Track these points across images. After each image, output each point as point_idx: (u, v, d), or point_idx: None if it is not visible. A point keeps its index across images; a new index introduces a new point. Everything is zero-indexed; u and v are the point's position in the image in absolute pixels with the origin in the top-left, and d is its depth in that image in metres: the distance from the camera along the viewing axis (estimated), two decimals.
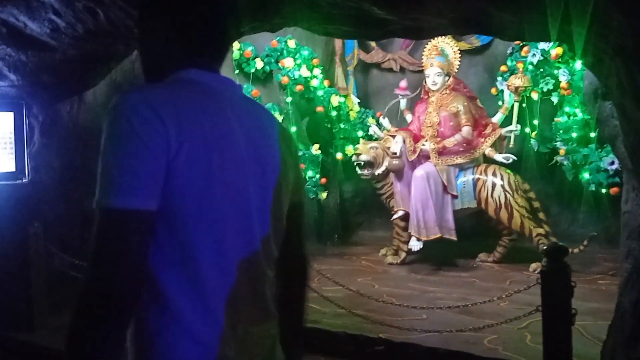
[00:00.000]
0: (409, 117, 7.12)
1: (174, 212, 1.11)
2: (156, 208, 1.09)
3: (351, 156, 7.37)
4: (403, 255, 6.52)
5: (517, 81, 6.06)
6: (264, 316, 1.25)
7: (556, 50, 5.89)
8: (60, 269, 5.23)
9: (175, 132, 1.09)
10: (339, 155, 7.34)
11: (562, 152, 5.82)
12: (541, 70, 6.33)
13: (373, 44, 8.10)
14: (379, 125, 7.00)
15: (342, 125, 7.22)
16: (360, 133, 7.44)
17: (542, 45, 6.07)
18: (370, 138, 7.12)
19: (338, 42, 7.89)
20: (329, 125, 7.47)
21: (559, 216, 6.97)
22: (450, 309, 4.34)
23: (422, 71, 8.06)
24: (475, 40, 7.46)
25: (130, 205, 1.07)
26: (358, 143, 7.38)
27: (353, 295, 4.99)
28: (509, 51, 7.10)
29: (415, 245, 6.09)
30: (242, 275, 1.18)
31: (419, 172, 6.17)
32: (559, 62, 5.98)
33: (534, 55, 6.18)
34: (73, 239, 5.43)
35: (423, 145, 6.32)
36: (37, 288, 5.11)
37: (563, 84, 5.88)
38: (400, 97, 7.22)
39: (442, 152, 6.26)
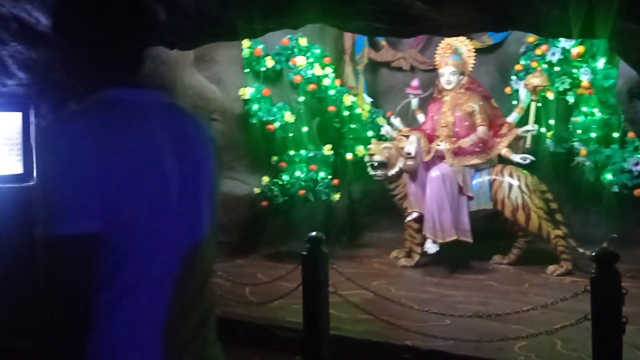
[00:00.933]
0: (420, 116, 7.00)
1: (106, 235, 1.17)
2: (99, 229, 1.16)
3: (361, 157, 7.25)
4: (417, 257, 6.39)
5: (535, 80, 5.95)
6: (201, 336, 1.28)
7: (578, 49, 5.79)
8: None
9: (104, 156, 1.16)
10: (348, 156, 7.20)
11: (583, 152, 5.72)
12: (557, 69, 6.22)
13: (383, 42, 7.98)
14: (390, 125, 6.86)
15: (352, 125, 7.08)
16: (370, 133, 7.30)
17: (563, 43, 5.95)
18: (381, 138, 6.98)
19: (348, 41, 7.75)
20: (338, 125, 7.34)
21: (571, 217, 6.86)
22: (478, 316, 4.21)
23: (433, 70, 7.96)
24: (488, 39, 7.35)
25: (74, 230, 1.16)
26: (368, 143, 7.24)
27: (372, 299, 4.87)
28: (522, 50, 6.99)
29: (431, 247, 5.97)
30: (178, 294, 1.22)
31: (435, 172, 6.04)
32: (578, 61, 5.87)
33: (553, 54, 6.08)
34: None
35: (438, 145, 6.20)
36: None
37: (585, 82, 5.78)
38: (411, 96, 7.09)
39: (457, 153, 6.14)
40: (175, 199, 1.24)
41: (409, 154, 6.12)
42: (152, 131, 1.24)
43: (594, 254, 2.71)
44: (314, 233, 3.62)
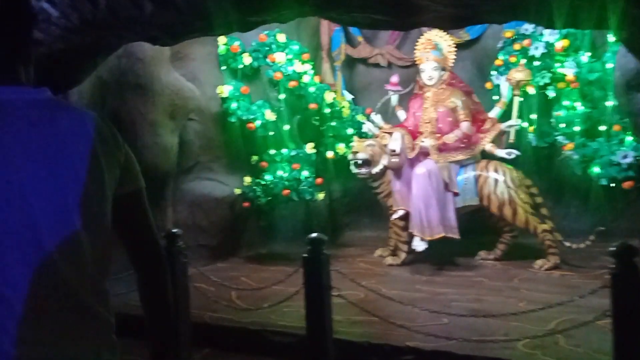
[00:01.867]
0: (401, 113, 6.92)
1: None
2: None
3: (342, 155, 7.13)
4: (403, 256, 6.31)
5: (518, 75, 5.93)
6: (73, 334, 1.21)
7: (562, 42, 5.79)
8: None
9: None
10: (329, 154, 7.07)
11: (570, 146, 5.73)
12: (536, 63, 6.23)
13: (360, 38, 7.87)
14: (371, 122, 6.75)
15: (333, 123, 6.95)
16: (350, 131, 7.18)
17: (547, 37, 5.96)
18: (362, 136, 6.87)
19: (324, 37, 7.62)
20: (318, 123, 7.20)
21: (552, 211, 6.89)
22: (477, 315, 4.14)
23: (410, 66, 7.92)
24: (465, 34, 7.33)
25: None
26: (349, 141, 7.14)
27: (365, 299, 4.76)
28: (499, 45, 6.99)
29: (419, 245, 5.88)
30: (30, 319, 1.15)
31: (420, 169, 5.97)
32: (561, 55, 5.87)
33: (536, 47, 6.07)
34: None
35: (422, 142, 6.13)
36: None
37: (569, 76, 5.78)
38: (391, 93, 7.00)
39: (442, 149, 6.08)
40: (24, 206, 1.16)
41: (394, 151, 6.03)
42: (9, 135, 1.18)
43: (614, 248, 2.64)
44: (314, 234, 3.47)
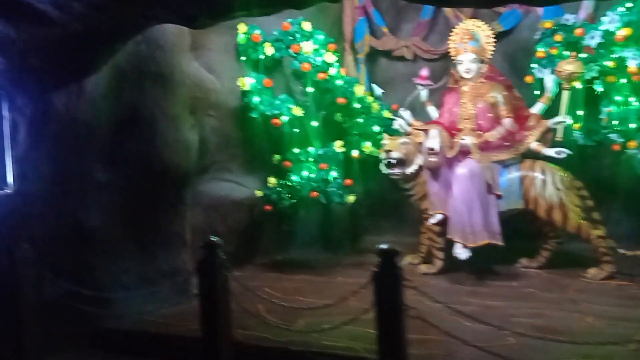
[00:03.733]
0: (431, 109, 6.43)
1: None
2: None
3: (369, 154, 6.62)
4: (439, 264, 5.82)
5: (569, 67, 5.47)
6: None
7: (624, 31, 5.32)
8: (53, 298, 4.26)
9: None
10: (354, 153, 6.55)
11: (632, 144, 5.27)
12: (583, 55, 5.76)
13: (384, 29, 7.37)
14: (400, 118, 6.24)
15: (359, 120, 6.43)
16: (376, 128, 6.67)
17: (606, 25, 5.49)
18: (392, 133, 6.35)
19: (347, 27, 7.12)
20: (341, 120, 6.67)
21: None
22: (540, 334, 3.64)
23: (437, 59, 7.45)
24: (498, 26, 6.85)
25: None
26: (375, 139, 6.64)
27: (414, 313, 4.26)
28: (536, 36, 6.53)
29: (462, 253, 5.39)
30: None
31: (462, 170, 5.48)
32: (620, 45, 5.40)
33: (592, 37, 5.61)
34: (67, 260, 4.44)
35: (462, 139, 5.64)
36: (28, 322, 4.13)
37: (632, 68, 5.31)
38: (420, 87, 6.51)
39: (484, 148, 5.60)
40: None
41: (432, 149, 5.54)
42: None
43: None
44: (385, 245, 2.96)
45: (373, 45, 7.35)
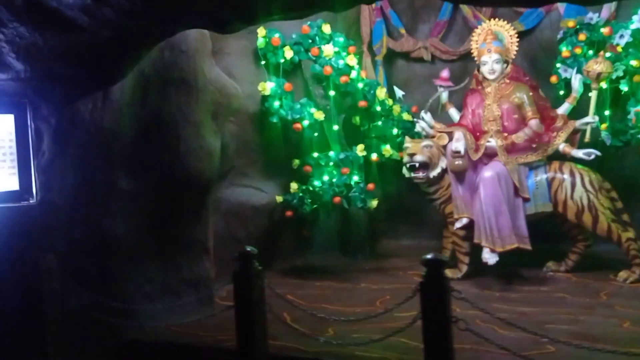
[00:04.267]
0: (452, 111, 6.32)
1: None
2: None
3: (388, 157, 6.51)
4: (465, 268, 5.72)
5: (598, 66, 5.35)
6: None
7: None
8: (78, 309, 4.17)
9: None
10: (373, 157, 6.44)
11: None
12: (608, 54, 5.65)
13: (402, 30, 7.26)
14: (423, 121, 6.13)
15: (379, 123, 6.33)
16: (395, 131, 6.56)
17: (636, 24, 5.38)
18: (413, 136, 6.24)
19: (365, 29, 7.03)
20: (359, 123, 6.57)
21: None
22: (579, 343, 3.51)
23: (455, 60, 7.34)
24: (519, 25, 6.74)
25: None
26: (394, 142, 6.54)
27: None
28: (559, 36, 6.43)
29: (490, 257, 5.28)
30: None
31: (488, 172, 5.37)
32: None
33: (621, 36, 5.50)
34: (91, 270, 4.35)
35: (488, 142, 5.53)
36: (53, 334, 4.04)
37: None
38: (441, 89, 6.40)
39: (510, 150, 5.49)
40: None
41: (458, 152, 5.43)
42: None
43: None
44: (430, 255, 2.85)
45: (391, 46, 7.25)
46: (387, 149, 6.40)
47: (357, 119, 6.53)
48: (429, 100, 6.40)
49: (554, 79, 6.17)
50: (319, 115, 5.79)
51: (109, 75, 3.79)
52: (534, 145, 5.51)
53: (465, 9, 7.07)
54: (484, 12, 7.02)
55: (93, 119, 3.95)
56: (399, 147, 6.51)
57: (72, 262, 4.19)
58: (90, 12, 3.08)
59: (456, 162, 5.47)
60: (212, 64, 5.15)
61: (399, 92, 6.47)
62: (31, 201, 3.91)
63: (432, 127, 6.01)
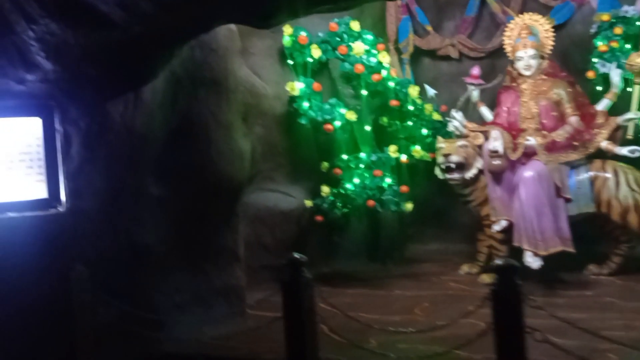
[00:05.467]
0: (484, 109, 6.12)
1: None
2: None
3: (418, 158, 6.29)
4: None
5: None
6: None
7: None
8: (108, 320, 3.97)
9: None
10: (403, 158, 6.22)
11: None
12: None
13: (429, 27, 7.06)
14: (453, 120, 5.92)
15: (409, 123, 6.11)
16: (424, 131, 6.34)
17: None
18: (445, 136, 6.03)
19: (391, 26, 6.84)
20: (386, 123, 6.36)
21: None
22: None
23: (484, 58, 7.13)
24: (549, 20, 6.49)
25: None
26: (424, 142, 6.32)
27: None
28: (592, 30, 6.22)
29: (533, 261, 5.06)
30: None
31: (528, 172, 5.16)
32: None
33: None
34: (121, 280, 4.15)
35: (527, 140, 5.31)
36: (84, 348, 3.83)
37: None
38: (472, 87, 6.20)
39: (550, 148, 5.27)
40: None
41: (496, 151, 5.22)
42: None
43: None
44: (501, 260, 2.64)
45: (417, 44, 7.05)
46: (417, 150, 6.19)
47: (385, 119, 6.32)
48: (460, 98, 6.20)
49: (591, 74, 5.96)
50: (351, 116, 5.58)
51: (140, 75, 3.60)
52: (575, 143, 5.30)
53: (493, 4, 6.87)
54: (512, 7, 6.81)
55: (124, 122, 3.75)
56: (428, 148, 6.31)
57: (101, 271, 3.98)
58: (126, 5, 2.89)
59: (494, 162, 5.26)
60: (241, 63, 4.96)
61: (431, 91, 6.26)
62: (60, 209, 3.71)
63: (464, 127, 5.81)
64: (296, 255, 3.32)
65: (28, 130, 3.67)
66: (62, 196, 3.73)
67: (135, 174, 4.01)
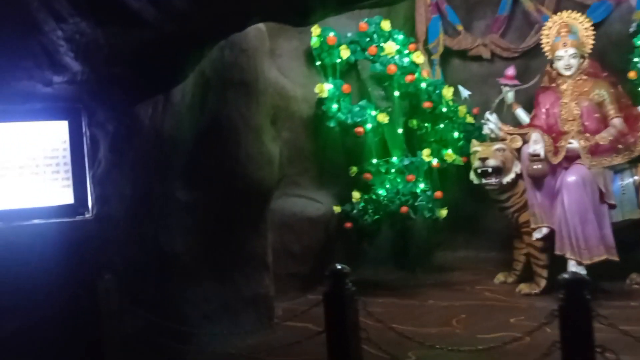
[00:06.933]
0: (519, 111, 5.89)
1: None
2: None
3: (451, 162, 6.06)
4: (543, 283, 5.24)
5: None
6: None
7: None
8: (135, 331, 3.81)
9: None
10: (434, 162, 5.99)
11: None
12: None
13: (459, 27, 6.84)
14: (490, 122, 5.68)
15: (441, 126, 5.90)
16: (456, 134, 6.11)
17: None
18: (478, 138, 5.80)
19: (420, 26, 6.63)
20: (415, 126, 6.14)
21: None
22: None
23: (516, 58, 6.89)
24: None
25: None
26: (455, 146, 6.09)
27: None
28: (632, 29, 5.97)
29: (577, 271, 4.79)
30: None
31: (572, 177, 4.91)
32: None
33: None
34: (148, 289, 3.99)
35: (570, 143, 5.07)
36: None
37: None
38: (507, 88, 5.97)
39: (594, 152, 5.02)
40: None
41: (537, 155, 4.98)
42: None
43: None
44: (569, 274, 2.42)
45: (448, 44, 6.83)
46: (450, 154, 5.96)
47: (414, 122, 6.10)
48: (495, 100, 5.97)
49: (632, 74, 5.70)
50: (383, 118, 5.37)
51: (170, 76, 3.44)
52: (619, 147, 5.04)
53: (527, 2, 6.63)
54: (547, 5, 6.57)
55: (153, 125, 3.59)
56: (460, 152, 6.10)
57: (128, 280, 3.83)
58: (159, 3, 2.72)
59: (535, 167, 5.02)
60: (270, 64, 4.79)
61: (465, 92, 6.04)
62: (87, 215, 3.56)
63: (500, 129, 5.59)
64: (339, 265, 3.12)
65: (54, 134, 3.54)
66: (89, 202, 3.59)
67: (163, 178, 3.85)
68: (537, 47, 6.28)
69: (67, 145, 3.53)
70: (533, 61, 6.61)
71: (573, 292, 2.39)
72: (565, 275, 2.43)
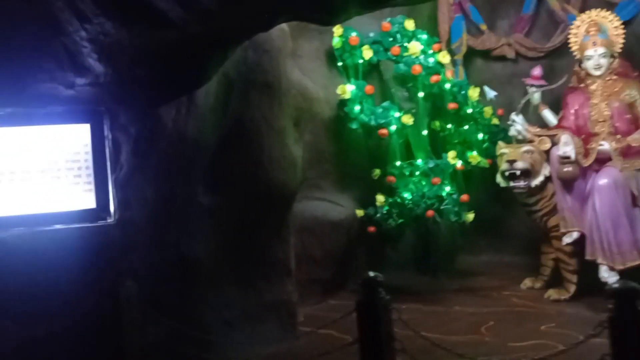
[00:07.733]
0: (546, 112, 5.73)
1: None
2: None
3: (476, 165, 5.92)
4: (573, 288, 5.09)
5: None
6: None
7: None
8: (157, 339, 3.72)
9: None
10: (458, 164, 5.86)
11: None
12: None
13: (483, 26, 6.70)
14: (516, 124, 5.54)
15: (465, 127, 5.76)
16: (480, 135, 5.98)
17: None
18: (504, 140, 5.65)
19: (443, 25, 6.50)
20: (438, 127, 6.01)
21: None
22: None
23: (542, 58, 6.74)
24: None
25: None
26: (480, 148, 5.96)
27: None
28: None
29: (610, 276, 4.64)
30: None
31: (603, 180, 4.76)
32: None
33: None
34: (170, 297, 3.90)
35: (601, 145, 4.91)
36: None
37: None
38: (533, 88, 5.82)
39: (626, 154, 4.86)
40: None
41: (567, 157, 4.83)
42: None
43: None
44: (618, 283, 2.29)
45: (471, 44, 6.69)
46: (474, 156, 5.82)
47: (438, 123, 5.98)
48: (521, 101, 5.82)
49: None
50: (408, 120, 5.25)
51: (194, 77, 3.35)
52: None
53: (552, 1, 6.47)
54: (573, 4, 6.41)
55: (176, 127, 3.50)
56: (484, 154, 5.96)
57: (150, 287, 3.75)
58: (186, 2, 2.63)
59: (565, 169, 4.87)
60: (292, 65, 4.69)
61: (491, 93, 5.89)
62: (109, 220, 3.48)
63: (527, 131, 5.44)
64: (372, 273, 3.01)
65: (76, 137, 3.46)
66: (112, 207, 3.51)
67: (185, 182, 3.77)
68: (563, 46, 6.14)
69: (89, 148, 3.46)
70: (558, 61, 6.45)
71: (625, 302, 2.25)
72: (616, 285, 2.30)
